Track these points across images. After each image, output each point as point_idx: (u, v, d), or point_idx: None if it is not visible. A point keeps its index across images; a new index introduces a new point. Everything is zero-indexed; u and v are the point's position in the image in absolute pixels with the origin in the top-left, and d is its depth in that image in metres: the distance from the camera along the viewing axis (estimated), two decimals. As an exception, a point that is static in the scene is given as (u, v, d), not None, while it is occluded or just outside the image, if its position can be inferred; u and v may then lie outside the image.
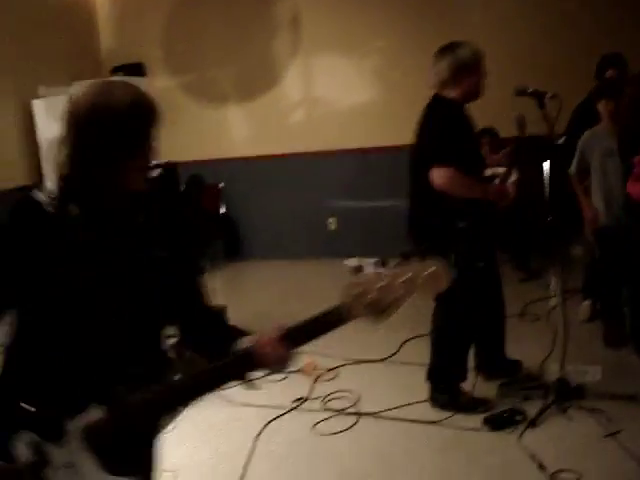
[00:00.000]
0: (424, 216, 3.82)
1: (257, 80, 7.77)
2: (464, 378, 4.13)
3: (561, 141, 4.27)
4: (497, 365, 4.35)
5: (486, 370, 4.32)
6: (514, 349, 4.45)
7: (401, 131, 7.09)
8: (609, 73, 4.87)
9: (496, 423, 3.84)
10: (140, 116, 1.69)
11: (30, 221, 1.67)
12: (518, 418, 3.84)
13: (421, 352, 4.73)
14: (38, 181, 6.83)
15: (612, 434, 3.62)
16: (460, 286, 3.76)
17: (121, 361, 1.72)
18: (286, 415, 4.18)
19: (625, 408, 3.87)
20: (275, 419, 4.11)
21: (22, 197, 1.70)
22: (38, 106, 6.77)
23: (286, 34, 7.64)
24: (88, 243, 1.69)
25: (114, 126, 1.64)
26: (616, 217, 4.49)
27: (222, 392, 4.49)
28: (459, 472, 3.49)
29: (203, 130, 7.42)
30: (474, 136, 3.92)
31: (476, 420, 3.90)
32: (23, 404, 1.67)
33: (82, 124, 1.65)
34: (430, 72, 3.90)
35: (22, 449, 1.66)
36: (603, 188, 4.53)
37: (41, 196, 1.69)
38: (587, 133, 4.60)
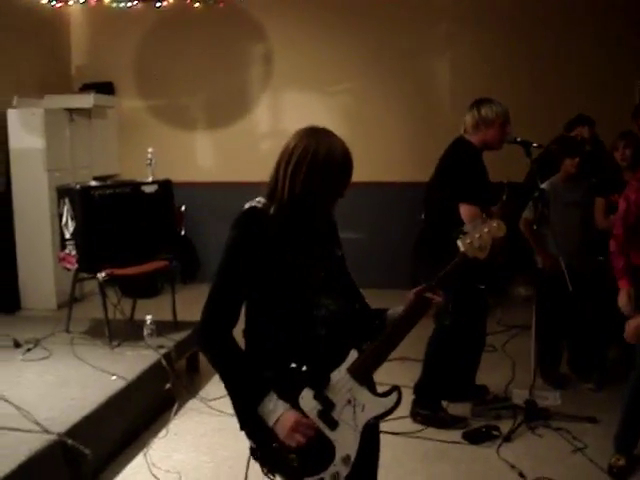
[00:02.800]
0: (439, 243, 4.18)
1: (226, 110, 8.10)
2: (447, 397, 4.52)
3: (544, 186, 4.68)
4: (467, 389, 4.73)
5: (456, 393, 4.68)
6: (477, 375, 4.84)
7: (364, 168, 7.60)
8: (578, 130, 5.40)
9: (475, 437, 4.22)
10: (350, 163, 2.19)
11: (261, 223, 2.16)
12: (495, 433, 4.24)
13: (389, 374, 5.07)
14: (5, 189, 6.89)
15: (579, 449, 4.07)
16: (459, 307, 4.18)
17: (340, 316, 2.25)
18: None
19: (586, 428, 4.33)
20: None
21: (251, 208, 2.20)
22: (12, 116, 6.85)
23: (258, 68, 8.04)
24: (304, 240, 2.22)
25: (335, 169, 2.15)
26: (569, 264, 4.56)
27: (211, 403, 4.73)
28: (446, 478, 3.83)
29: (169, 153, 7.58)
30: (488, 179, 4.35)
31: (455, 435, 4.28)
32: (293, 365, 2.14)
33: (307, 163, 2.13)
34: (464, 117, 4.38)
35: (309, 402, 2.13)
36: (561, 237, 4.68)
37: (260, 205, 2.20)
38: (546, 184, 4.87)
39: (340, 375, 2.15)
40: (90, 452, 3.54)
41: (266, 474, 2.18)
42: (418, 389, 4.44)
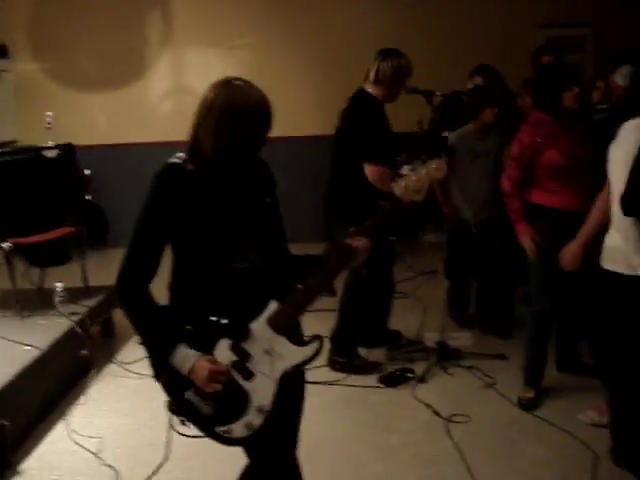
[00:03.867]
0: (347, 195, 4.27)
1: (125, 69, 7.90)
2: (362, 344, 4.65)
3: (446, 134, 4.77)
4: (381, 334, 4.87)
5: (372, 339, 4.82)
6: (391, 321, 4.98)
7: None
8: (477, 80, 5.49)
9: (391, 381, 4.38)
10: (269, 108, 2.18)
11: (178, 179, 2.15)
12: (409, 375, 4.39)
13: (304, 325, 5.16)
14: None
15: (490, 385, 4.28)
16: (373, 257, 4.26)
17: (262, 268, 2.25)
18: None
19: (496, 365, 4.54)
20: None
21: (168, 165, 2.18)
22: None
23: (157, 26, 7.85)
24: (226, 192, 2.20)
25: (257, 116, 2.14)
26: (475, 214, 4.75)
27: (128, 366, 4.71)
28: (367, 421, 3.96)
29: (68, 116, 7.34)
30: (391, 132, 4.40)
31: (372, 380, 4.42)
32: (213, 318, 2.15)
33: (228, 117, 2.08)
34: (371, 67, 4.34)
35: (224, 353, 2.16)
36: (466, 187, 4.84)
37: (180, 161, 2.18)
38: (454, 135, 4.95)
39: (258, 326, 2.17)
40: (8, 423, 3.51)
41: (182, 423, 2.23)
42: (334, 338, 4.53)
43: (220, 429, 2.16)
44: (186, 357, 2.12)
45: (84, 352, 4.49)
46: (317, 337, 2.25)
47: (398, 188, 2.25)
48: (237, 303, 2.19)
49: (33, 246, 4.99)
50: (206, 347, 2.15)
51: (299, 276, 2.27)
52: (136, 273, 2.17)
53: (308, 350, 2.22)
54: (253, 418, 2.15)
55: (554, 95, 3.76)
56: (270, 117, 2.17)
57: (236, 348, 2.16)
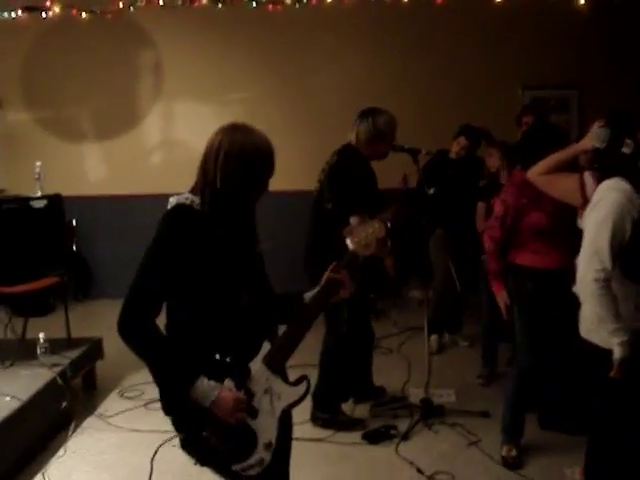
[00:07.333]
0: (326, 250, 4.26)
1: (116, 121, 7.96)
2: (345, 399, 4.61)
3: (432, 191, 4.83)
4: (366, 390, 4.85)
5: (357, 395, 4.80)
6: (375, 377, 4.97)
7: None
8: (461, 140, 5.61)
9: (374, 437, 4.34)
10: (273, 154, 2.31)
11: (188, 218, 2.24)
12: (393, 432, 4.37)
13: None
14: None
15: (474, 443, 4.25)
16: (351, 313, 4.27)
17: (259, 311, 2.39)
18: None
19: (479, 422, 4.51)
20: (170, 440, 4.29)
21: (180, 205, 2.26)
22: None
23: (148, 79, 7.94)
24: (228, 236, 2.29)
25: (257, 164, 2.26)
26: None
27: (109, 419, 4.67)
28: (348, 479, 3.91)
29: (58, 166, 7.35)
30: (376, 186, 4.42)
31: (355, 436, 4.38)
32: (217, 356, 2.23)
33: (235, 158, 2.22)
34: (351, 128, 4.39)
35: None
36: None
37: (188, 202, 2.26)
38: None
39: (257, 366, 2.28)
40: (-16, 476, 3.45)
41: (196, 464, 2.26)
42: (316, 394, 4.48)
43: (237, 467, 2.21)
44: (209, 387, 2.15)
45: (64, 404, 4.43)
46: (304, 377, 2.39)
47: (352, 243, 2.40)
48: (238, 342, 2.27)
49: (17, 296, 4.98)
50: None
51: (283, 314, 2.43)
52: (144, 309, 2.17)
53: (300, 389, 2.35)
54: (263, 454, 2.24)
55: (543, 156, 3.76)
56: (273, 158, 2.30)
57: (242, 387, 2.23)
